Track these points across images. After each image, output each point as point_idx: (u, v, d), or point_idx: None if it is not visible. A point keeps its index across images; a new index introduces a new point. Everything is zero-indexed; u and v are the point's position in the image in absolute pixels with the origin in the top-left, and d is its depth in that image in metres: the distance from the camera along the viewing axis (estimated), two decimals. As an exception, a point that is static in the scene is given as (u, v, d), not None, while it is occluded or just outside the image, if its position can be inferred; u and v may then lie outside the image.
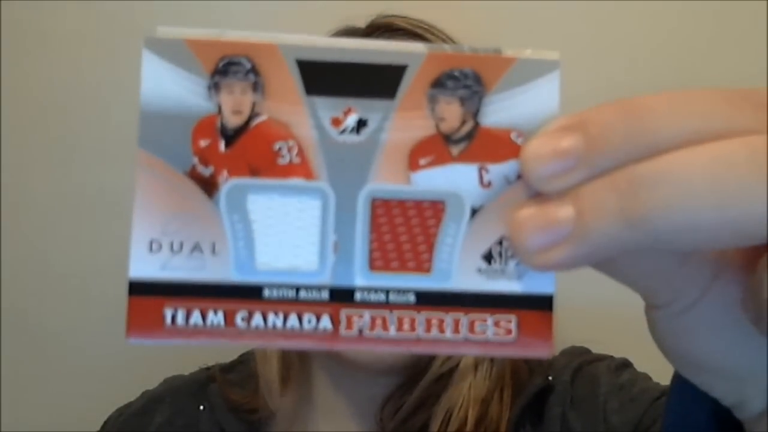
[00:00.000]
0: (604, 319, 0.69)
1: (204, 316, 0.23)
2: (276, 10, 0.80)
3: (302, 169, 0.23)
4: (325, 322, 0.23)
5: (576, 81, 0.75)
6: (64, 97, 0.81)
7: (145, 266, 0.23)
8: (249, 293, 0.23)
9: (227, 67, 0.23)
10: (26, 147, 0.82)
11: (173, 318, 0.23)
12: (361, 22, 0.62)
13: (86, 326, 0.83)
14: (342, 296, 0.23)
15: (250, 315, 0.23)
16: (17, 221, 0.83)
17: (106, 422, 0.65)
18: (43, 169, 0.82)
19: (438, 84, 0.23)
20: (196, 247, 0.23)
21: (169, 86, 0.23)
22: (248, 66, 0.23)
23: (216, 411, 0.61)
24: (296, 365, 0.60)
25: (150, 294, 0.23)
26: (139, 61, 0.23)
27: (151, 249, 0.23)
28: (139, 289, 0.23)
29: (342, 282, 0.23)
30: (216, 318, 0.23)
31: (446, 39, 0.60)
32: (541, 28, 0.76)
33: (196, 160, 0.23)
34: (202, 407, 0.62)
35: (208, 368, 0.66)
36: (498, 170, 0.23)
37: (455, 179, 0.23)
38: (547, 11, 0.76)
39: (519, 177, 0.23)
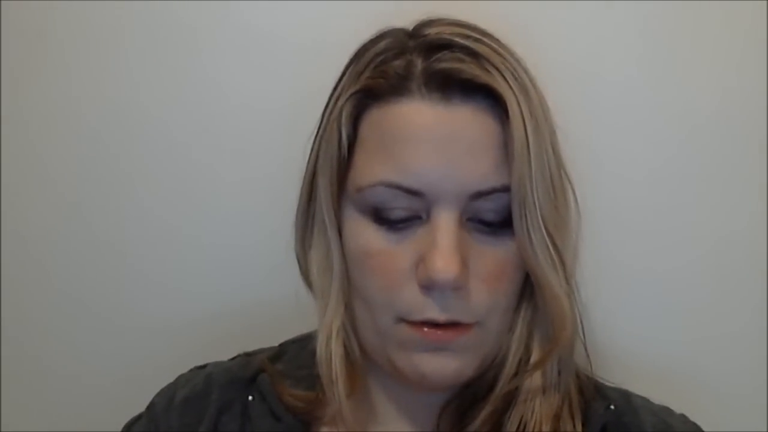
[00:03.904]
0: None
1: None
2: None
3: None
4: None
5: (573, 87, 0.75)
6: (63, 97, 0.81)
7: None
8: None
9: None
10: (27, 147, 0.82)
11: None
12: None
13: (87, 326, 0.83)
14: None
15: None
16: (17, 221, 0.83)
17: (151, 407, 0.63)
18: (42, 169, 0.82)
19: None
20: None
21: None
22: None
23: (268, 401, 0.60)
24: (357, 368, 0.57)
25: None
26: (140, 61, 0.22)
27: None
28: None
29: None
30: None
31: (497, 43, 0.54)
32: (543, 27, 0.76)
33: None
34: (251, 398, 0.61)
35: (248, 355, 0.65)
36: None
37: None
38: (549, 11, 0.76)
39: None
